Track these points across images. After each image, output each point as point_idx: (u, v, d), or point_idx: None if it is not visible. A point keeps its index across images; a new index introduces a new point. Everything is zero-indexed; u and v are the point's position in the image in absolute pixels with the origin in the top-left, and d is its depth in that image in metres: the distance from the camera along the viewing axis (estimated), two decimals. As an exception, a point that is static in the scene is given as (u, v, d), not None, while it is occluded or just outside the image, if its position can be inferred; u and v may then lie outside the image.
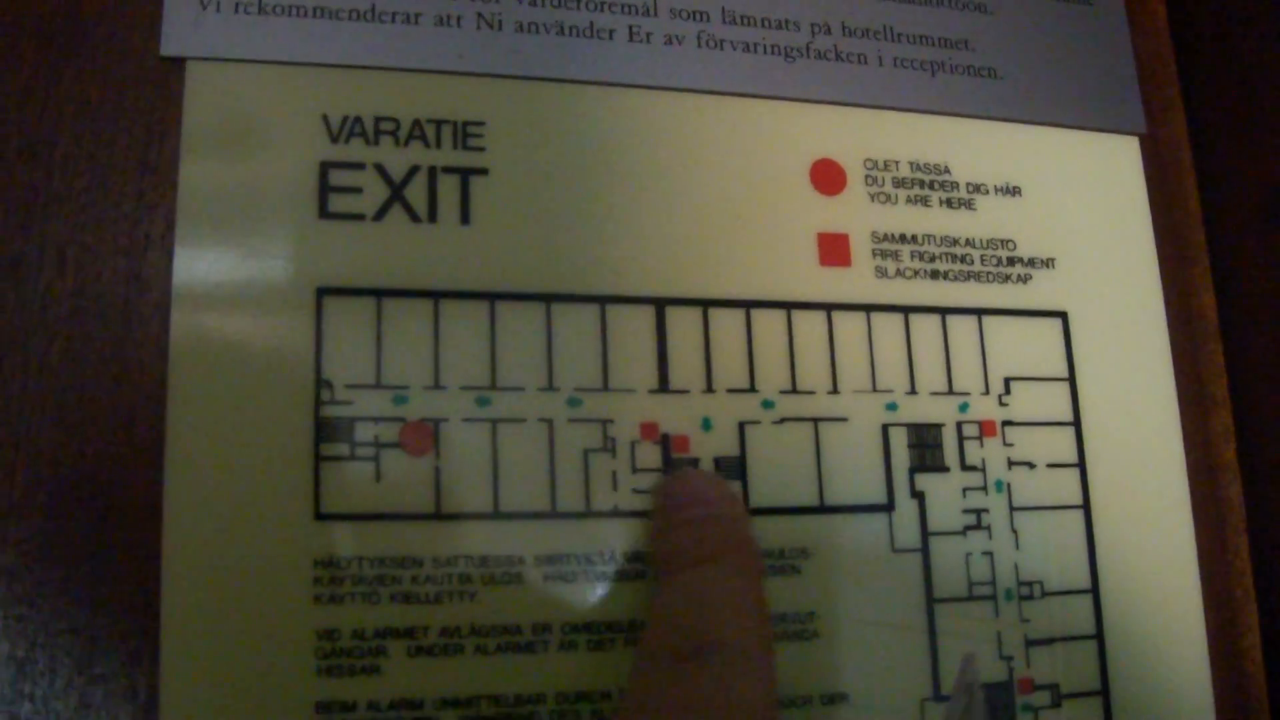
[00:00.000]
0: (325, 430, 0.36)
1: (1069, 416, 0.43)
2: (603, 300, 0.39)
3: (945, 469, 0.41)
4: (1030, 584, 0.41)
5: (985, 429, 0.42)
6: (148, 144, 0.38)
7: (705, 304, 0.40)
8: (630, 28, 0.42)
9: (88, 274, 0.37)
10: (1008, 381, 0.43)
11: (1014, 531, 0.42)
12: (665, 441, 0.39)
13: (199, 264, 0.37)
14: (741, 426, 0.40)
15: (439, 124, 0.40)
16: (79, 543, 0.35)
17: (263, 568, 0.35)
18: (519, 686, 0.36)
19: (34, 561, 0.35)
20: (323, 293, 0.37)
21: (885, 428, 0.41)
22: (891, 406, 0.41)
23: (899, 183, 0.43)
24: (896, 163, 0.44)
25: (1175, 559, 0.44)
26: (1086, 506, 0.43)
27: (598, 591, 0.37)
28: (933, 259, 0.43)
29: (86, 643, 0.35)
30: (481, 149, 0.40)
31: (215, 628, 0.34)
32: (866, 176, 0.43)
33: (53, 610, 0.35)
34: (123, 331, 0.37)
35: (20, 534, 0.35)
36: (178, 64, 0.38)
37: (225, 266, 0.37)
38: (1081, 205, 0.46)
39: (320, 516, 0.36)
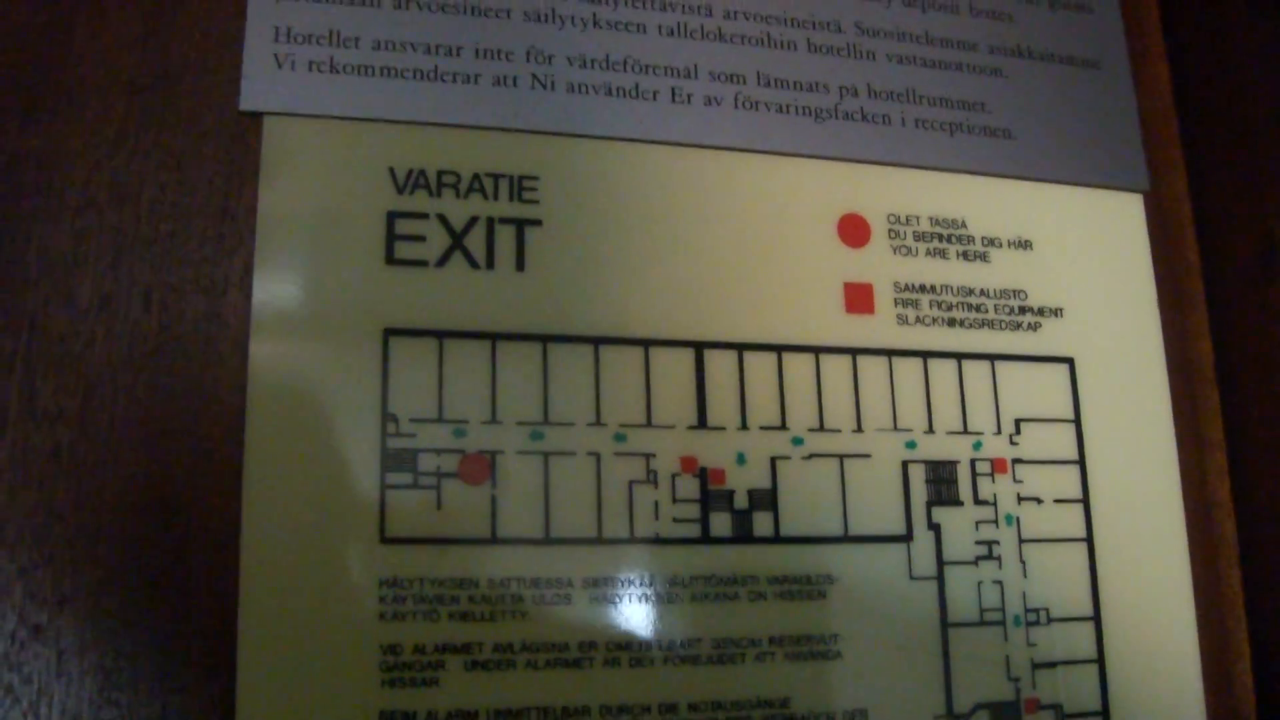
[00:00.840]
0: (391, 460, 0.39)
1: (1074, 455, 0.46)
2: (646, 343, 0.42)
3: (960, 503, 0.44)
4: (1037, 610, 0.44)
5: (997, 466, 0.45)
6: (227, 192, 0.41)
7: (740, 347, 0.43)
8: (673, 89, 0.45)
9: (171, 312, 0.40)
10: (1018, 422, 0.46)
11: (1022, 562, 0.44)
12: (703, 474, 0.42)
13: (275, 304, 0.39)
14: (773, 461, 0.43)
15: (496, 177, 0.42)
16: (163, 560, 0.38)
17: (332, 586, 0.38)
18: (566, 699, 0.39)
19: (120, 577, 0.38)
20: (389, 333, 0.40)
21: (905, 464, 0.44)
22: (911, 444, 0.44)
23: (919, 236, 0.46)
24: (917, 217, 0.47)
25: (1172, 589, 0.46)
26: (1090, 539, 0.45)
27: (640, 613, 0.40)
28: (950, 307, 0.46)
29: (168, 655, 0.38)
30: (536, 201, 0.43)
31: (288, 641, 0.37)
32: (889, 230, 0.46)
33: (138, 623, 0.38)
34: (203, 366, 0.40)
35: (108, 552, 0.38)
36: (256, 118, 0.41)
37: (299, 307, 0.40)
38: (1088, 258, 0.49)
39: (386, 540, 0.39)
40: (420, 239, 0.41)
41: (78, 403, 0.38)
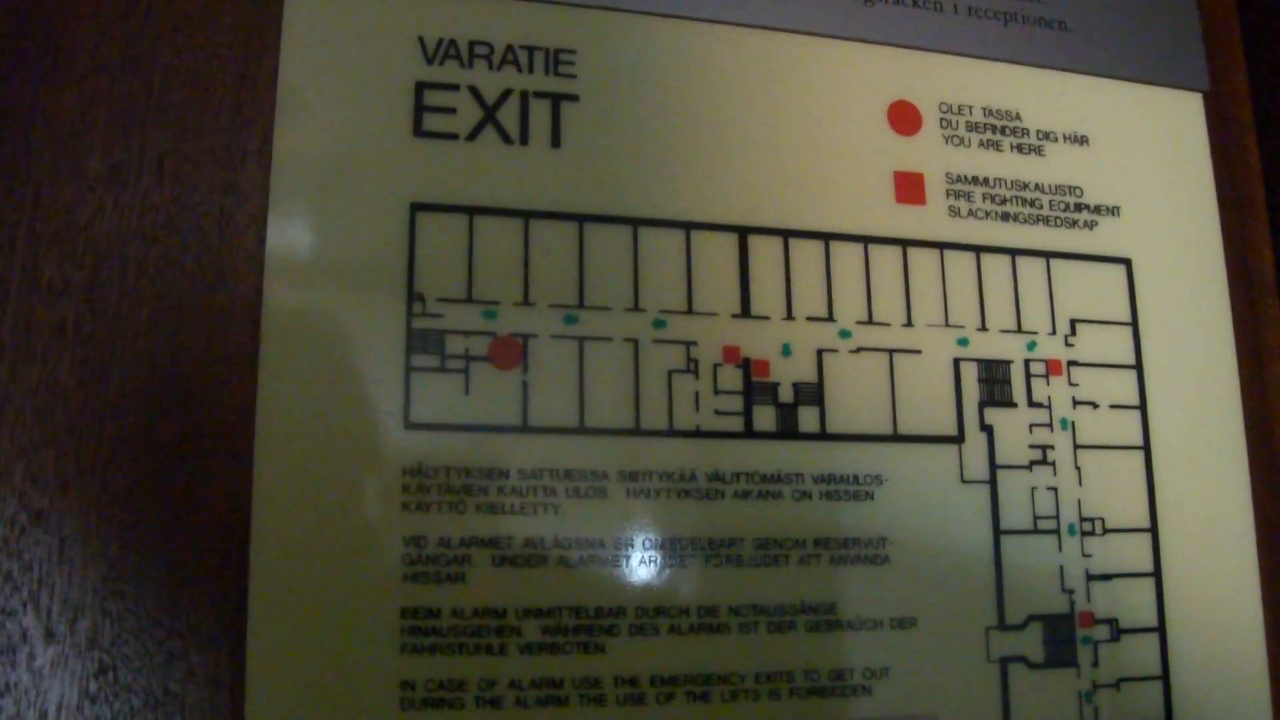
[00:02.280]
0: (416, 342, 0.37)
1: (1131, 360, 0.44)
2: (688, 226, 0.40)
3: (1013, 404, 0.43)
4: (1092, 520, 0.43)
5: (1051, 368, 0.43)
6: (247, 58, 0.39)
7: (786, 234, 0.41)
8: (718, -37, 0.43)
9: (185, 183, 0.38)
10: (1074, 323, 0.44)
11: (1077, 469, 0.43)
12: (746, 365, 0.40)
13: (295, 177, 0.38)
14: (820, 354, 0.41)
15: (531, 50, 0.41)
16: (172, 444, 0.36)
17: (352, 474, 0.36)
18: (600, 600, 0.37)
19: (128, 460, 0.36)
20: (416, 208, 0.38)
21: (957, 362, 0.42)
22: (963, 342, 0.42)
23: (972, 126, 0.45)
24: (970, 107, 0.45)
25: (1230, 501, 0.45)
26: (1147, 448, 0.44)
27: (679, 509, 0.38)
28: (1004, 201, 0.44)
29: (177, 544, 0.36)
30: (573, 76, 0.41)
31: (304, 532, 0.35)
32: (941, 120, 0.44)
33: (146, 510, 0.36)
34: (218, 240, 0.38)
35: (114, 433, 0.36)
36: (277, -20, 0.39)
37: (321, 180, 0.38)
38: (1146, 157, 0.47)
39: (410, 425, 0.37)
40: (450, 111, 0.40)
41: (84, 275, 0.36)
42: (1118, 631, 0.42)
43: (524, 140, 0.40)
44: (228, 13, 0.39)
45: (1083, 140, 0.46)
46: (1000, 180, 0.44)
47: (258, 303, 0.37)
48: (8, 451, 0.35)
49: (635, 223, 0.40)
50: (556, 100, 0.40)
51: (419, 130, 0.39)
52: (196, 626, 0.35)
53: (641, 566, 0.38)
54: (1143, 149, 0.47)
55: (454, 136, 0.39)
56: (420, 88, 0.39)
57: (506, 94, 0.40)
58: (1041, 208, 0.45)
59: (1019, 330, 0.43)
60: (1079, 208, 0.45)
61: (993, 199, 0.44)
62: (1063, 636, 0.41)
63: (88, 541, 0.35)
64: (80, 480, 0.35)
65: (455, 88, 0.40)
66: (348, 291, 0.37)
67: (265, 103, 0.39)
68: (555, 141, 0.40)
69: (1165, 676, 0.42)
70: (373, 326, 0.37)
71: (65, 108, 0.38)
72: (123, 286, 0.37)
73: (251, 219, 0.38)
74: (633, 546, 0.38)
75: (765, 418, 0.40)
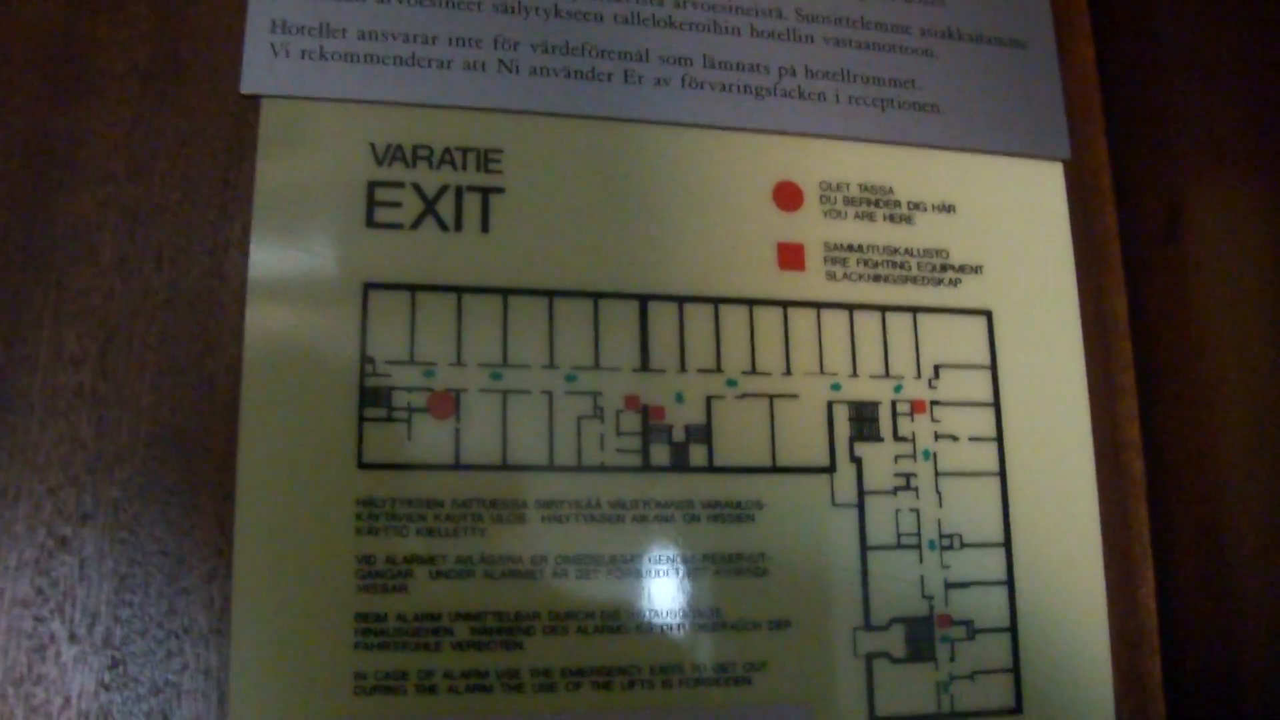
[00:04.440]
0: (368, 397, 0.45)
1: (990, 399, 0.50)
2: (596, 295, 0.47)
3: (880, 439, 0.49)
4: (951, 536, 0.49)
5: (916, 407, 0.50)
6: (229, 165, 0.46)
7: (681, 299, 0.48)
8: (625, 71, 0.50)
9: (179, 269, 0.45)
10: (937, 368, 0.50)
11: (938, 493, 0.49)
12: (645, 411, 0.47)
13: (270, 263, 0.45)
14: (709, 400, 0.47)
15: (465, 151, 0.48)
16: (170, 482, 0.43)
17: (316, 505, 0.43)
18: (519, 605, 0.44)
19: (134, 496, 0.43)
20: (369, 287, 0.45)
21: (830, 404, 0.49)
22: (836, 386, 0.49)
23: (849, 200, 0.51)
24: (848, 184, 0.51)
25: (1080, 519, 0.51)
26: (1003, 474, 0.50)
27: (585, 531, 0.45)
28: (876, 265, 0.51)
29: (175, 562, 0.43)
30: (500, 171, 0.48)
31: (277, 553, 0.43)
32: (821, 196, 0.51)
33: (149, 536, 0.43)
34: (207, 316, 0.45)
35: (124, 475, 0.43)
36: (255, 100, 0.46)
37: (290, 265, 0.45)
38: (1009, 220, 0.53)
39: (362, 465, 0.44)
40: (397, 205, 0.46)
41: (98, 347, 0.44)
42: (973, 631, 0.48)
43: (458, 227, 0.46)
44: (214, 127, 0.46)
45: (950, 208, 0.52)
46: (873, 246, 0.51)
47: (239, 366, 0.44)
48: (38, 491, 0.43)
49: (551, 294, 0.46)
50: (486, 193, 0.47)
51: (370, 221, 0.46)
52: (190, 628, 0.43)
53: (554, 578, 0.44)
54: (1006, 213, 0.52)
55: (399, 226, 0.46)
56: (371, 186, 0.46)
57: (444, 189, 0.47)
58: (910, 269, 0.51)
59: (887, 375, 0.49)
60: (944, 267, 0.51)
61: (866, 263, 0.50)
62: (922, 635, 0.47)
63: (103, 562, 0.42)
64: (96, 513, 0.43)
65: (400, 185, 0.46)
66: (313, 357, 0.44)
67: (245, 201, 0.45)
68: (485, 227, 0.47)
69: (1016, 669, 0.48)
70: (333, 385, 0.44)
71: (82, 209, 0.45)
72: (129, 355, 0.44)
73: (233, 298, 0.45)
74: (546, 561, 0.44)
75: (661, 454, 0.46)
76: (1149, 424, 0.53)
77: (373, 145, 0.47)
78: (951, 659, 0.48)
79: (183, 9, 0.47)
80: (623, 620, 0.45)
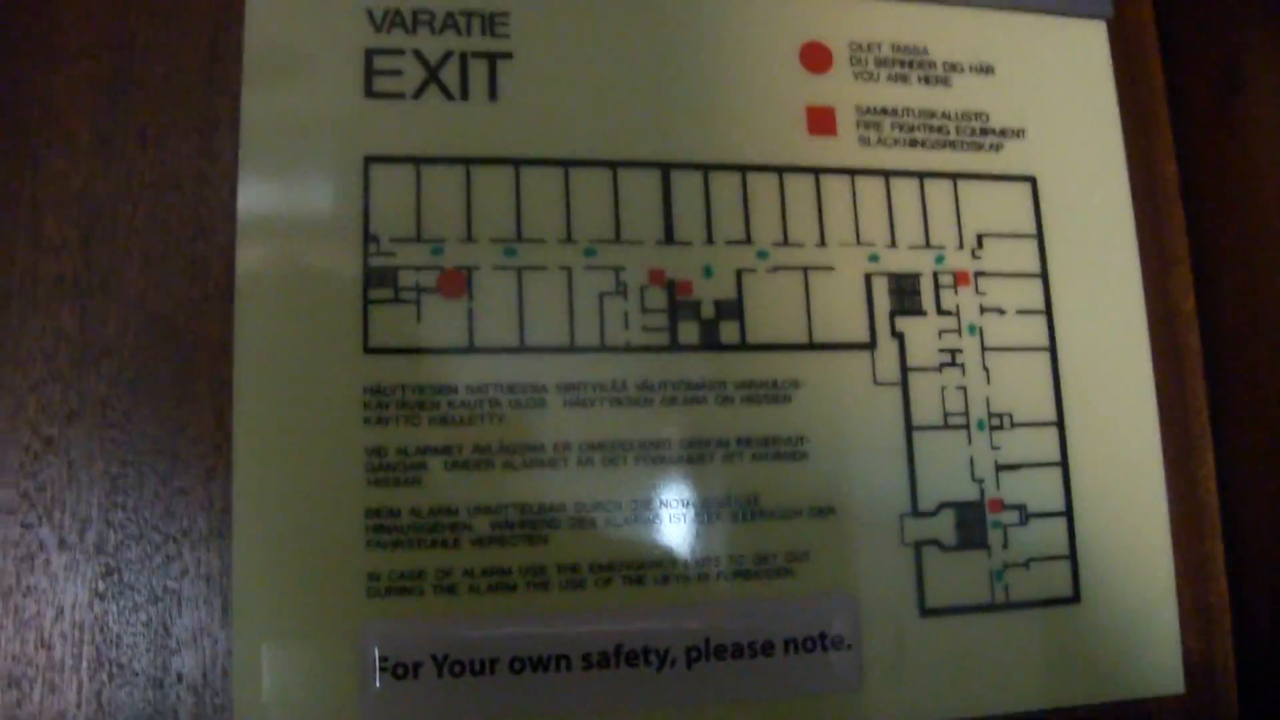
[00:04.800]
0: (373, 278, 0.42)
1: (1037, 270, 0.48)
2: (615, 164, 0.44)
3: (923, 313, 0.46)
4: (1000, 416, 0.46)
5: (959, 279, 0.47)
6: (216, 36, 0.43)
7: (706, 168, 0.45)
8: (638, -74, 0.47)
9: (166, 149, 0.42)
10: (980, 237, 0.47)
11: (985, 370, 0.46)
12: (670, 286, 0.44)
13: (262, 139, 0.42)
14: (739, 274, 0.45)
15: (469, 14, 0.45)
16: (162, 375, 0.41)
17: (319, 395, 0.41)
18: (543, 497, 0.42)
19: (124, 391, 0.41)
20: (369, 160, 0.42)
21: (868, 276, 0.46)
22: (874, 258, 0.46)
23: (881, 61, 0.48)
24: (879, 44, 0.48)
25: (1135, 396, 0.48)
26: (1053, 349, 0.47)
27: (611, 415, 0.42)
28: (912, 129, 0.48)
29: (170, 461, 0.41)
30: (507, 35, 0.45)
31: (279, 447, 0.40)
32: (851, 57, 0.48)
33: (141, 433, 0.40)
34: (197, 196, 0.42)
35: (111, 369, 0.41)
36: (240, -37, 0.44)
37: (285, 140, 0.42)
38: (1051, 82, 0.50)
39: (369, 350, 0.41)
40: (397, 73, 0.44)
41: (80, 233, 0.41)
42: (1026, 516, 0.46)
43: (464, 96, 0.44)
44: (197, -6, 0.44)
45: (989, 69, 0.49)
46: (908, 110, 0.48)
47: (232, 250, 0.41)
48: (20, 388, 0.40)
49: (567, 164, 0.44)
50: (493, 58, 0.44)
51: (370, 91, 0.43)
52: (188, 531, 0.40)
53: (579, 466, 0.42)
54: (1048, 74, 0.50)
55: (401, 96, 0.43)
56: (370, 54, 0.43)
57: (447, 55, 0.44)
58: (948, 134, 0.48)
59: (927, 246, 0.47)
60: (985, 132, 0.48)
61: (901, 127, 0.47)
62: (973, 521, 0.45)
63: (92, 463, 0.40)
64: (83, 411, 0.40)
65: (401, 52, 0.44)
66: (311, 236, 0.41)
67: (234, 75, 0.43)
68: (492, 95, 0.44)
69: (1072, 556, 0.46)
70: (334, 266, 0.41)
71: (56, 87, 0.42)
72: (114, 241, 0.42)
73: (224, 177, 0.42)
74: (570, 449, 0.42)
75: (689, 332, 0.44)
76: (1204, 294, 0.50)
77: (370, 11, 0.44)
78: (1005, 546, 0.45)
79: None
80: (654, 510, 0.42)
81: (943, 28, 0.49)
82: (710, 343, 0.44)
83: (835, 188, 0.46)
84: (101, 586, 0.40)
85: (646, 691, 0.41)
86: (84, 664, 0.39)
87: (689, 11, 0.46)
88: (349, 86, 0.43)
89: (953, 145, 0.48)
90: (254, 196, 0.42)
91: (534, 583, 0.41)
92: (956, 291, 0.47)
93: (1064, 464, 0.46)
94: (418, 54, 0.44)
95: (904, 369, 0.45)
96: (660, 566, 0.42)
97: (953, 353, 0.46)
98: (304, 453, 0.40)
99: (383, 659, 0.39)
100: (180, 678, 0.39)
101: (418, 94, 0.44)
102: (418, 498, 0.41)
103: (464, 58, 0.44)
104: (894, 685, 0.43)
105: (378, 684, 0.39)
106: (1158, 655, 0.46)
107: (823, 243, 0.45)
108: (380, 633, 0.39)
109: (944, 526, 0.45)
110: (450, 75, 0.44)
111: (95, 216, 0.42)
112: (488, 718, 0.40)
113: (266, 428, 0.40)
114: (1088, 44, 0.51)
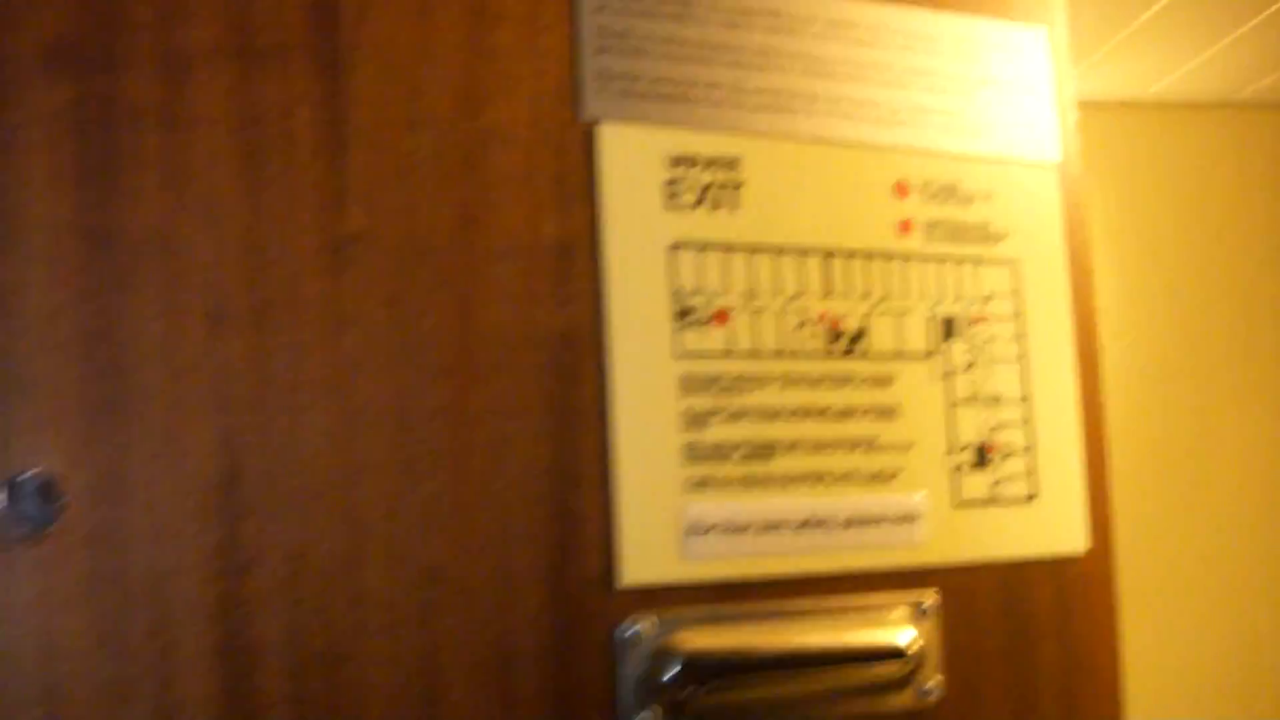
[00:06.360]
0: (680, 313, 0.75)
1: (1016, 314, 0.84)
2: (804, 250, 0.78)
3: (958, 337, 0.82)
4: (996, 397, 0.82)
5: (975, 320, 0.82)
6: (563, 172, 0.76)
7: (850, 253, 0.79)
8: (808, 109, 0.80)
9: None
10: (987, 299, 0.83)
11: (989, 370, 0.82)
12: (830, 321, 0.79)
13: (612, 232, 0.75)
14: (866, 315, 0.80)
15: (719, 159, 0.78)
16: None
17: (659, 379, 0.74)
18: (763, 435, 0.76)
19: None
20: (672, 247, 0.75)
21: (930, 318, 0.81)
22: (934, 306, 0.81)
23: (934, 193, 0.83)
24: (934, 182, 0.82)
25: (1067, 384, 0.84)
26: (1025, 358, 0.83)
27: (800, 390, 0.77)
28: (950, 231, 0.83)
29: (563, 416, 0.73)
30: (740, 170, 0.78)
31: (643, 404, 0.73)
32: (920, 190, 0.82)
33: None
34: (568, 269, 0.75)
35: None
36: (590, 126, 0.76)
37: (623, 235, 0.75)
38: (1026, 204, 0.86)
39: (676, 356, 0.75)
40: (681, 194, 0.76)
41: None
42: (1007, 454, 0.82)
43: (718, 207, 0.76)
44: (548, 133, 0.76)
45: (990, 197, 0.84)
46: (949, 220, 0.82)
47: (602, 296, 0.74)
48: None
49: (779, 249, 0.78)
50: (735, 186, 0.77)
51: (669, 204, 0.76)
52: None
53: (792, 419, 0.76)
54: (1024, 200, 0.85)
55: (686, 207, 0.76)
56: (667, 183, 0.76)
57: (710, 185, 0.77)
58: (969, 234, 0.83)
59: (958, 299, 0.82)
60: (988, 234, 0.83)
61: (945, 230, 0.82)
62: (981, 454, 0.81)
63: None
64: None
65: (683, 180, 0.76)
66: (641, 290, 0.74)
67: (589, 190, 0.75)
68: (735, 207, 0.76)
69: (1033, 476, 0.82)
70: (657, 308, 0.74)
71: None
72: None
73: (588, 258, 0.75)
74: (783, 411, 0.76)
75: (839, 346, 0.78)
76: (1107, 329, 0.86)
77: (672, 157, 0.76)
78: (997, 469, 0.81)
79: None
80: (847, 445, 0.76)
81: (967, 173, 0.84)
82: (847, 351, 0.78)
83: (916, 266, 0.81)
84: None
85: (832, 542, 0.76)
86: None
87: (836, 163, 0.80)
88: (658, 201, 0.75)
89: (971, 240, 0.83)
90: (613, 266, 0.74)
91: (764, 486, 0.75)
92: (974, 326, 0.82)
93: (1029, 424, 0.82)
94: (694, 183, 0.77)
95: (947, 370, 0.80)
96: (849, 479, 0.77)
97: (971, 362, 0.81)
98: (653, 408, 0.73)
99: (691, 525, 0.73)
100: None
101: (695, 205, 0.76)
102: (707, 437, 0.74)
103: (718, 186, 0.77)
104: (939, 542, 0.79)
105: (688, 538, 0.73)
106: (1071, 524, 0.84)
107: (906, 296, 0.80)
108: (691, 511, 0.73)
109: (967, 458, 0.80)
110: (711, 195, 0.76)
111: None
112: (743, 555, 0.74)
113: (636, 394, 0.72)
114: (1045, 182, 0.86)
